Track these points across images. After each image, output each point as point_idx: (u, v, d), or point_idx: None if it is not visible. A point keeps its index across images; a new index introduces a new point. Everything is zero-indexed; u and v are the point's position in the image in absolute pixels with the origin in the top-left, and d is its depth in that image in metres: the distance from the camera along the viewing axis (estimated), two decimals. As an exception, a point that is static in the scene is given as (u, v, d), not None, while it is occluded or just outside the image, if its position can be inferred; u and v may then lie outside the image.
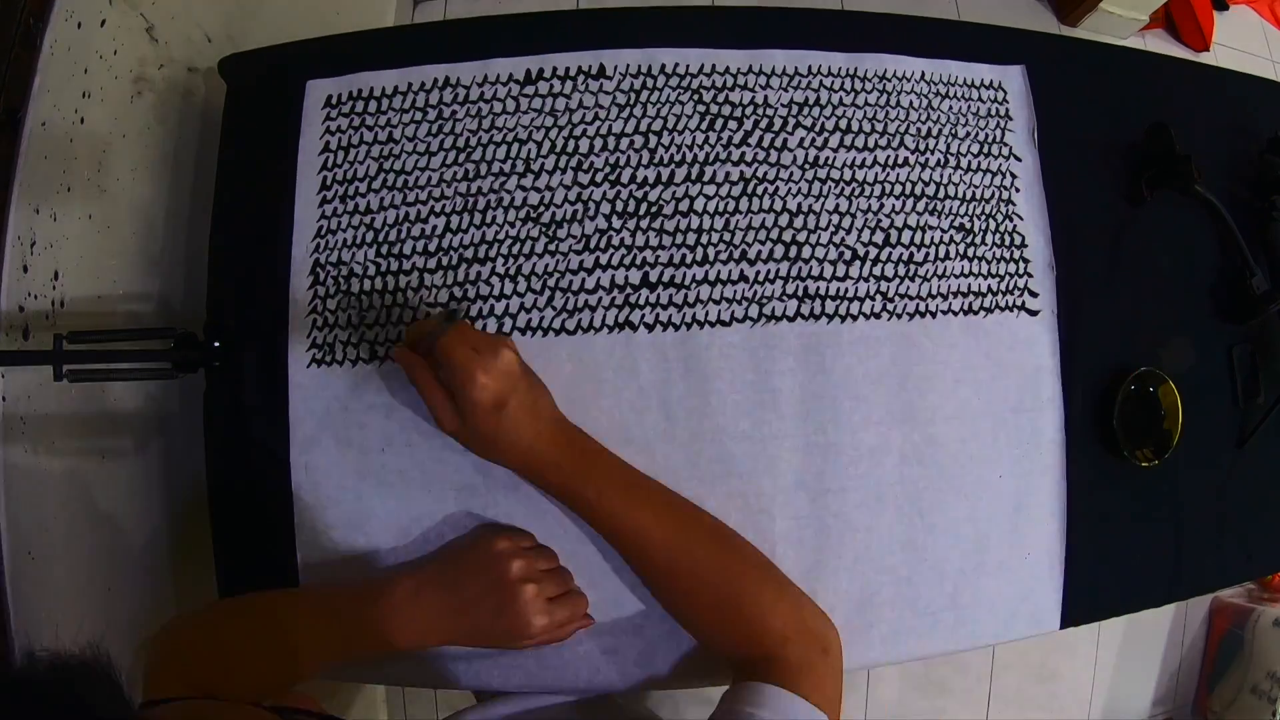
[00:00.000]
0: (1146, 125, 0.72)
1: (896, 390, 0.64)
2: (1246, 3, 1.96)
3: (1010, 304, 0.67)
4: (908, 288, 0.65)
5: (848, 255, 0.65)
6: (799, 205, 0.65)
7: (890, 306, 0.65)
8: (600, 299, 0.62)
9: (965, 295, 0.66)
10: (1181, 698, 1.66)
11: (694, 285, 0.63)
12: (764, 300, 0.63)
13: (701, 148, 0.64)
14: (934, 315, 0.65)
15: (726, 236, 0.63)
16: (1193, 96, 0.78)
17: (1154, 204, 0.72)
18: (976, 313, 0.66)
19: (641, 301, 0.62)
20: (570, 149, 0.64)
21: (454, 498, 0.60)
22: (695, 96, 0.65)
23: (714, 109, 0.65)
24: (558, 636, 0.56)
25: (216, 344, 0.62)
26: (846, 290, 0.64)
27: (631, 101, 0.65)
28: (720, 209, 0.64)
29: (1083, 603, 0.68)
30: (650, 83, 0.65)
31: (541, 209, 0.63)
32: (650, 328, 0.62)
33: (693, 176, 0.64)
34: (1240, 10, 1.95)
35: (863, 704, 1.49)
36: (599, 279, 0.62)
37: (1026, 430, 0.67)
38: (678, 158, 0.64)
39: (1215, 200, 0.69)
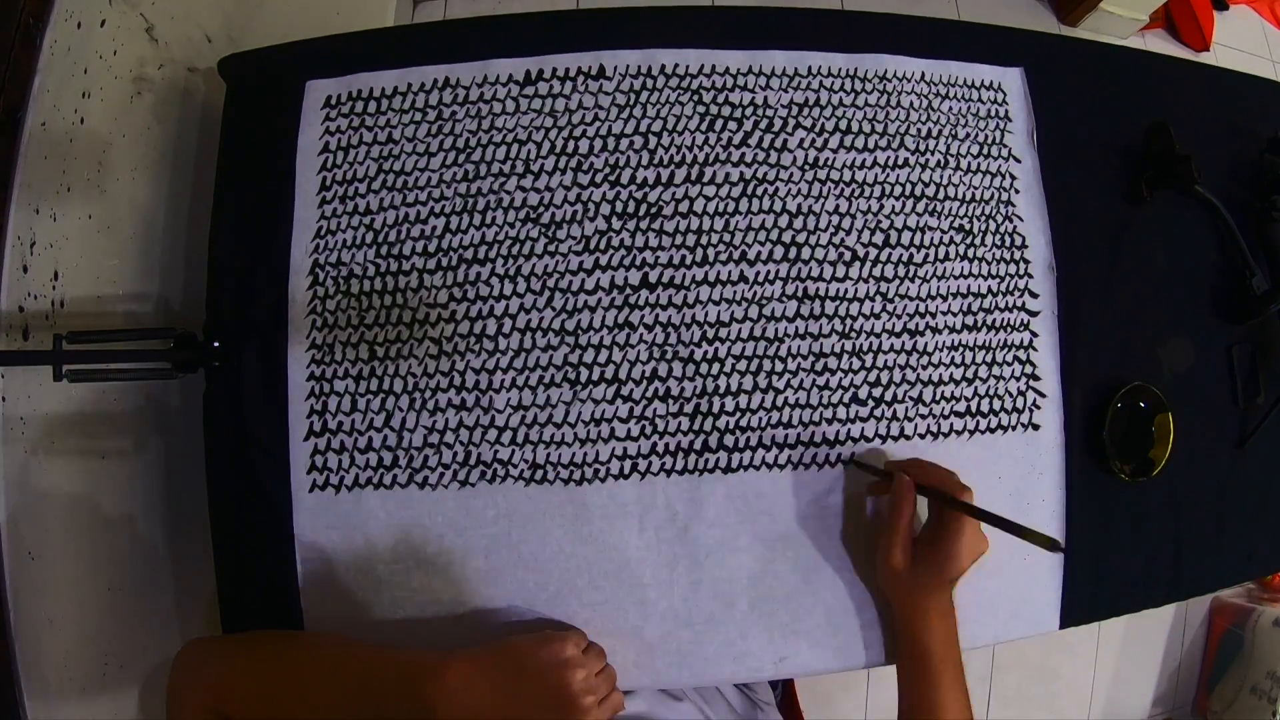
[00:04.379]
0: (1146, 125, 0.72)
1: (898, 392, 0.64)
2: (1246, 3, 1.96)
3: (1010, 305, 0.67)
4: (907, 288, 0.65)
5: (847, 256, 0.65)
6: (799, 206, 0.65)
7: (890, 307, 0.65)
8: (600, 299, 0.62)
9: (965, 296, 0.66)
10: (1181, 697, 1.66)
11: (694, 286, 0.63)
12: (764, 301, 0.63)
13: (701, 149, 0.64)
14: (934, 316, 0.65)
15: (726, 237, 0.63)
16: (1193, 96, 0.78)
17: (1154, 204, 0.72)
18: (976, 313, 0.66)
19: (641, 302, 0.62)
20: (570, 150, 0.64)
21: (453, 498, 0.61)
22: (695, 97, 0.65)
23: (714, 110, 0.65)
24: None
25: (216, 344, 0.62)
26: (846, 291, 0.64)
27: (631, 102, 0.65)
28: (720, 210, 0.64)
29: (1083, 603, 0.68)
30: (650, 83, 0.65)
31: (541, 209, 0.63)
32: (650, 328, 0.62)
33: (692, 177, 0.64)
34: (1240, 10, 1.95)
35: (863, 704, 1.49)
36: (598, 280, 0.62)
37: (1027, 431, 0.67)
38: (677, 159, 0.64)
39: (1215, 200, 0.69)
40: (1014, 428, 0.67)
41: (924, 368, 0.65)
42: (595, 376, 0.62)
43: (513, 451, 0.61)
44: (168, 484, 0.71)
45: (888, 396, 0.64)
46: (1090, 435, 0.69)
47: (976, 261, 0.67)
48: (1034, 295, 0.68)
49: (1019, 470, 0.66)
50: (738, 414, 0.63)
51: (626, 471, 0.62)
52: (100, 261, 0.63)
